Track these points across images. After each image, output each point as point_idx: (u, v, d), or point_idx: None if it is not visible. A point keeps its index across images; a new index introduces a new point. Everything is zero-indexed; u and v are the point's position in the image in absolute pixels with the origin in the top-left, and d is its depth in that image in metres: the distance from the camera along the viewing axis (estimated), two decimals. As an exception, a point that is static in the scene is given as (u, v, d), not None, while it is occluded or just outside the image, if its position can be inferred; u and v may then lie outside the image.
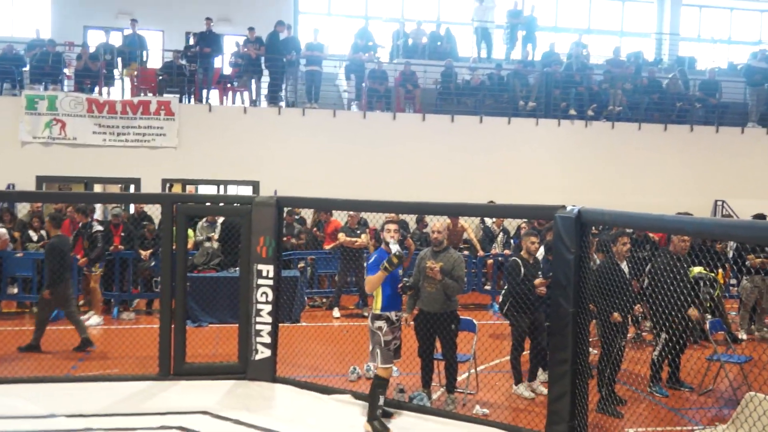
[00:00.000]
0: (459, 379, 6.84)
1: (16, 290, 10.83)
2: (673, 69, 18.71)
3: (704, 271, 7.81)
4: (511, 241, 12.55)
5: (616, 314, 6.38)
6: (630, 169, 16.04)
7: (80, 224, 10.59)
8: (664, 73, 18.26)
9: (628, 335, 7.34)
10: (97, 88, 14.65)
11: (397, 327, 6.03)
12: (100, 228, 10.34)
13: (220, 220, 11.85)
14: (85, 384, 6.98)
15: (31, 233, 11.26)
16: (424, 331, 6.60)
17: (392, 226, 6.02)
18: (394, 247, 5.85)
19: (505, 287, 7.30)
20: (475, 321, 7.10)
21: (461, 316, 6.84)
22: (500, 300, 7.48)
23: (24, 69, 14.80)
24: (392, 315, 5.98)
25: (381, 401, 5.91)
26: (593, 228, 7.49)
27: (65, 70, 14.95)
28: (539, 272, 6.97)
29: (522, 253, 7.15)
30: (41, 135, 13.88)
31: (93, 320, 9.98)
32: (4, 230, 10.65)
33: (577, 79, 16.58)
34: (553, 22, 20.66)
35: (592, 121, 16.23)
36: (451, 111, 15.71)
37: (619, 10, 21.53)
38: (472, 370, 7.07)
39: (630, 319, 6.84)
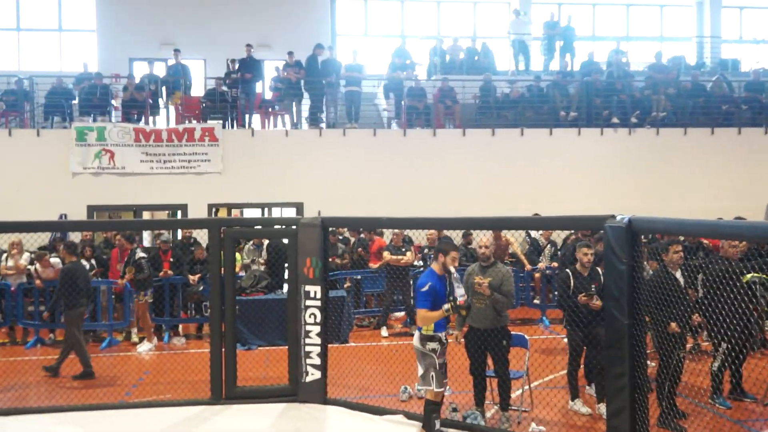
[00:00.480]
0: (513, 396, 6.72)
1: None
2: (716, 72, 18.30)
3: (757, 275, 7.54)
4: (559, 252, 12.34)
5: (673, 325, 6.19)
6: (677, 175, 15.68)
7: (128, 251, 10.78)
8: (707, 77, 17.86)
9: (687, 346, 7.12)
10: (143, 118, 15.02)
11: (446, 346, 5.95)
12: (143, 255, 10.48)
13: (266, 242, 11.96)
14: (139, 410, 7.07)
15: (84, 262, 11.50)
16: (476, 348, 6.51)
17: (455, 254, 5.92)
18: (459, 291, 5.73)
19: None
20: (526, 336, 6.98)
21: (512, 332, 6.72)
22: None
23: (73, 102, 15.27)
24: (443, 335, 5.90)
25: (437, 425, 5.80)
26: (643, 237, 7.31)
27: (112, 102, 15.36)
28: (593, 285, 6.80)
29: (576, 265, 6.99)
30: (91, 165, 14.27)
31: (144, 347, 10.15)
32: (57, 260, 10.91)
33: (618, 87, 16.33)
34: (590, 32, 20.43)
35: (636, 129, 15.94)
36: (491, 125, 15.63)
37: (657, 15, 21.18)
38: (526, 387, 6.93)
39: (688, 330, 6.62)
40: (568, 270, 7.02)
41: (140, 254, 10.43)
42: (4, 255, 10.88)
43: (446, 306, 5.67)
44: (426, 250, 12.08)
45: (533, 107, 16.11)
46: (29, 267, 10.85)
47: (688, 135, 15.97)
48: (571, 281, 6.84)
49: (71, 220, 12.93)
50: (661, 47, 18.72)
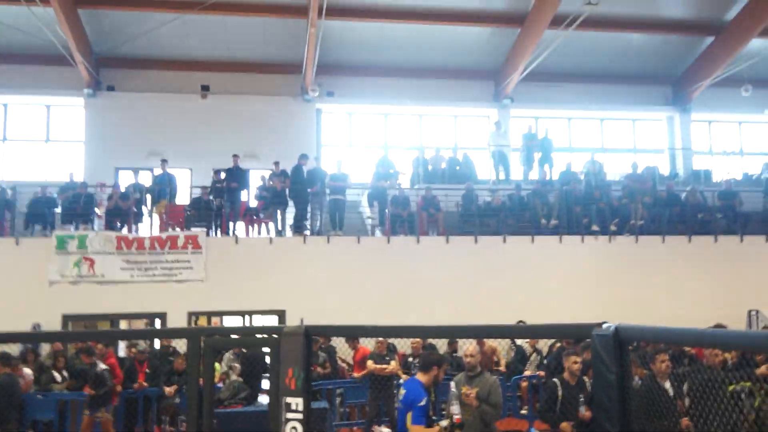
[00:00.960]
0: None
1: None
2: (689, 182, 18.89)
3: (744, 384, 7.43)
4: (545, 361, 12.16)
5: (665, 437, 6.03)
6: (658, 283, 15.79)
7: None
8: (681, 186, 18.39)
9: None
10: (126, 226, 15.02)
11: None
12: (103, 366, 9.99)
13: (241, 351, 11.68)
14: None
15: (55, 374, 11.14)
16: (464, 463, 6.25)
17: (447, 366, 5.85)
18: (455, 408, 5.61)
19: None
20: (515, 449, 6.74)
21: (501, 445, 6.49)
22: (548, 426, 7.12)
23: (56, 210, 15.28)
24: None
25: None
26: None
27: (96, 210, 15.42)
28: (581, 394, 6.66)
29: (564, 374, 6.87)
30: (69, 274, 14.10)
31: None
32: (29, 371, 10.55)
33: (596, 196, 16.73)
34: (567, 143, 21.15)
35: (616, 236, 16.21)
36: (474, 232, 15.81)
37: (630, 128, 22.04)
38: (517, 505, 6.61)
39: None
40: (555, 379, 6.90)
41: (101, 366, 9.96)
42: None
43: (444, 423, 5.50)
44: (411, 359, 11.86)
45: (514, 215, 16.39)
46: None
47: (666, 243, 16.24)
48: (560, 390, 6.69)
49: (43, 331, 12.60)
50: (635, 158, 19.39)
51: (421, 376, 5.84)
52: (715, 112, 21.91)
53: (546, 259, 15.71)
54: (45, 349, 12.78)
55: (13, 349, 11.38)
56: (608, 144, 21.69)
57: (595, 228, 16.20)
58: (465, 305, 14.43)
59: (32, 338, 11.35)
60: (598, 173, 17.95)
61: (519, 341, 12.80)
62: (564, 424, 6.58)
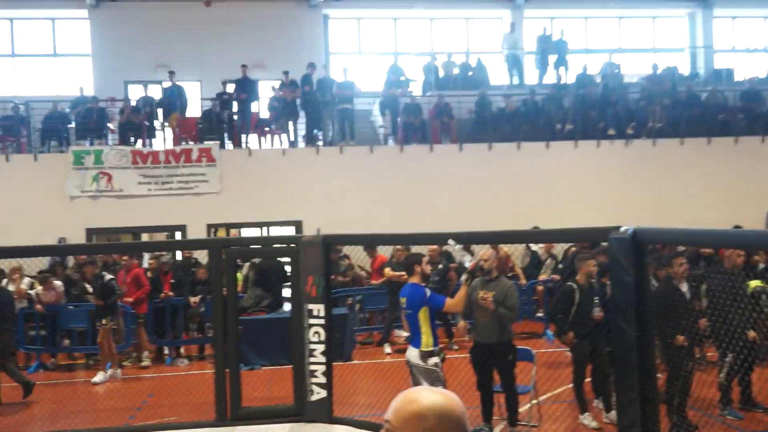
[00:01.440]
0: (520, 411, 6.66)
1: (68, 342, 10.99)
2: (710, 82, 18.41)
3: (761, 284, 7.52)
4: (560, 266, 12.32)
5: (680, 338, 6.16)
6: (675, 186, 15.71)
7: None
8: (701, 87, 17.96)
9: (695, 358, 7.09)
10: (140, 140, 15.02)
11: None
12: (111, 276, 10.05)
13: (255, 262, 11.89)
14: (144, 433, 7.01)
15: (87, 285, 11.45)
16: (482, 364, 6.47)
17: (425, 258, 6.20)
18: (466, 258, 6.27)
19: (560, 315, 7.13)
20: (532, 350, 6.94)
21: (518, 346, 6.69)
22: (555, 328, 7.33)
23: (70, 126, 15.26)
24: (442, 350, 5.96)
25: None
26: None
27: (109, 125, 15.37)
28: (595, 297, 6.80)
29: (578, 278, 6.98)
30: (89, 188, 14.23)
31: (99, 377, 9.64)
32: (59, 283, 10.87)
33: (613, 99, 16.40)
34: (583, 44, 20.54)
35: (633, 140, 16.00)
36: (487, 139, 15.66)
37: (649, 27, 21.33)
38: (534, 401, 6.88)
39: (695, 342, 6.60)
40: (571, 283, 7.01)
41: (108, 277, 10.00)
42: (5, 280, 10.81)
43: (464, 276, 6.00)
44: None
45: (529, 121, 16.16)
46: (29, 292, 10.78)
47: (685, 145, 16.04)
48: (576, 294, 6.82)
49: (70, 244, 12.85)
50: (654, 59, 18.84)
51: (412, 279, 6.04)
52: (740, 7, 21.07)
53: (560, 164, 15.61)
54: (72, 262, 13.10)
55: (42, 262, 11.73)
56: (626, 44, 21.05)
57: (611, 132, 15.99)
58: (480, 212, 14.48)
59: (61, 251, 11.65)
60: (616, 75, 17.52)
61: (534, 247, 12.93)
62: (569, 335, 6.76)
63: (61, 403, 8.30)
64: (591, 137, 15.99)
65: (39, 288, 10.68)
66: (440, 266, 10.79)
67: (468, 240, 8.93)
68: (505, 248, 11.75)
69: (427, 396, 1.74)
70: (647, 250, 5.66)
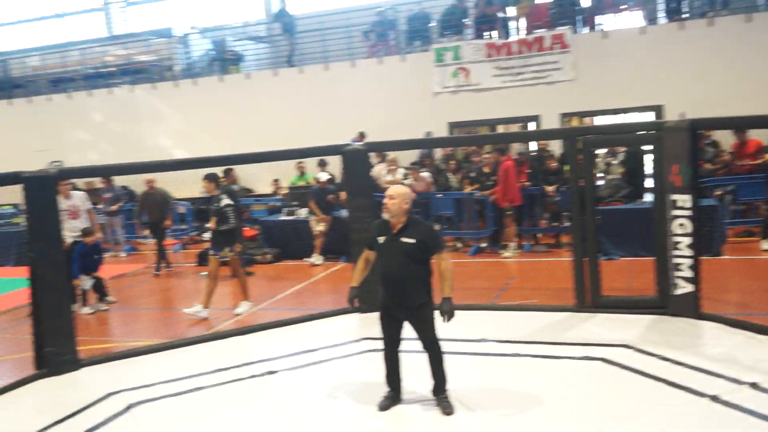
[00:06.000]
0: None
1: (437, 227, 12.16)
2: None
3: None
4: None
5: None
6: None
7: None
8: None
9: None
10: (494, 33, 15.31)
11: None
12: (229, 202, 8.29)
13: (623, 150, 11.46)
14: (508, 312, 7.52)
15: (449, 176, 12.46)
16: None
17: None
18: None
19: None
20: None
21: None
22: None
23: (431, 25, 16.22)
24: None
25: None
26: None
27: (464, 21, 15.94)
28: None
29: None
30: (449, 84, 15.15)
31: (242, 308, 8.44)
32: (427, 174, 12.00)
33: None
34: None
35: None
36: None
37: None
38: None
39: None
40: None
41: (226, 201, 8.28)
42: (383, 171, 12.31)
43: None
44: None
45: None
46: (404, 181, 12.12)
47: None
48: None
49: (435, 137, 13.97)
50: None
51: None
52: None
53: None
54: (438, 153, 14.32)
55: (412, 154, 13.05)
56: None
57: None
58: None
59: (428, 144, 12.75)
60: None
61: None
62: None
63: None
64: None
65: (411, 178, 11.93)
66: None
67: None
68: None
69: None
70: None
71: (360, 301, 5.20)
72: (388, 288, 4.94)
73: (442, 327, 4.96)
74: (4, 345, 7.79)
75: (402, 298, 4.89)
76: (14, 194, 7.02)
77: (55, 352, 6.36)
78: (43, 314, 6.38)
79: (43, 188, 6.42)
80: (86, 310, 8.97)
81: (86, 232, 9.18)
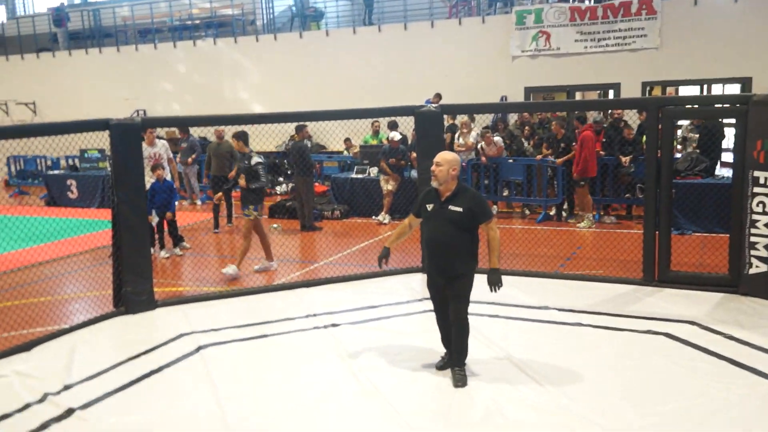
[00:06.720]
0: None
1: (506, 192, 12.08)
2: None
3: None
4: None
5: None
6: None
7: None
8: None
9: None
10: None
11: None
12: (260, 160, 8.26)
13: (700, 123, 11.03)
14: (572, 282, 7.45)
15: (523, 141, 12.30)
16: None
17: None
18: None
19: None
20: None
21: None
22: None
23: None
24: None
25: None
26: None
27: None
28: None
29: None
30: (528, 48, 14.84)
31: (230, 269, 8.22)
32: (499, 138, 11.87)
33: None
34: None
35: None
36: None
37: None
38: None
39: None
40: None
41: (257, 159, 8.27)
42: (457, 133, 12.26)
43: None
44: None
45: None
46: (477, 145, 12.05)
47: None
48: None
49: (510, 102, 13.79)
50: None
51: None
52: None
53: None
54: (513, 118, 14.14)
55: (486, 118, 12.91)
56: None
57: None
58: None
59: (503, 108, 12.58)
60: None
61: None
62: None
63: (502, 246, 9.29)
64: None
65: (483, 142, 11.84)
66: None
67: None
68: None
69: None
70: None
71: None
72: (432, 255, 4.92)
73: (501, 293, 4.96)
74: (86, 282, 8.28)
75: (444, 266, 4.84)
76: (101, 140, 7.39)
77: (132, 291, 6.75)
78: (123, 255, 6.76)
79: (128, 135, 6.73)
80: (163, 254, 9.39)
81: (154, 168, 9.41)
